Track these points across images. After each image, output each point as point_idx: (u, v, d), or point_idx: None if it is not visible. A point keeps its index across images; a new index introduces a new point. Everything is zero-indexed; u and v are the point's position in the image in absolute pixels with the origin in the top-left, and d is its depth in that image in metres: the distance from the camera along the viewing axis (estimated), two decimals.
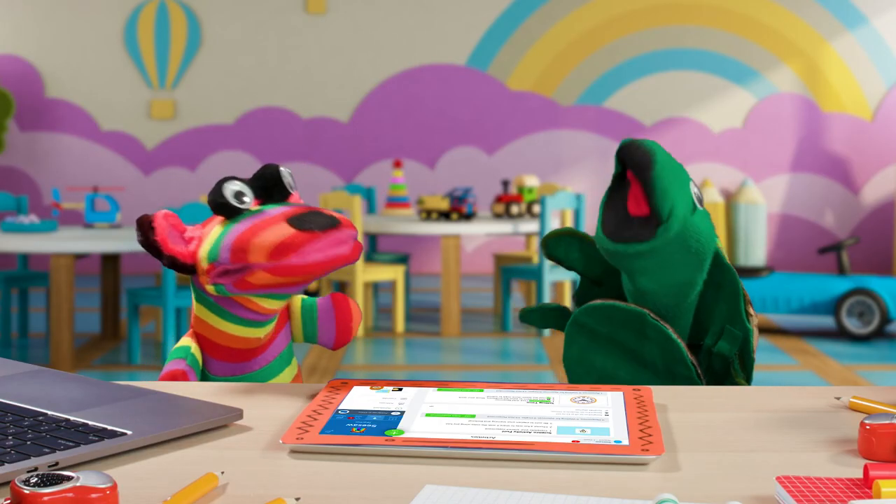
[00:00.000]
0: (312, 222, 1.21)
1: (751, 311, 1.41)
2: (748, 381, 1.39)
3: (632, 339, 1.39)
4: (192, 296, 1.31)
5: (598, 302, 1.40)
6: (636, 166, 1.31)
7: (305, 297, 1.37)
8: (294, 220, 1.21)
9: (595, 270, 1.48)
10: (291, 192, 1.30)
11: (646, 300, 1.38)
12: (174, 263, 1.24)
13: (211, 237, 1.24)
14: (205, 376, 1.32)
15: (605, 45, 9.12)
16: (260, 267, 1.20)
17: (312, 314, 1.35)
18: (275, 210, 1.24)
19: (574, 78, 9.14)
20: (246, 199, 1.26)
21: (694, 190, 1.36)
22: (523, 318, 1.53)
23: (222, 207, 1.24)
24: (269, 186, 1.29)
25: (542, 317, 1.52)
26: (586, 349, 1.42)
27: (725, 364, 1.40)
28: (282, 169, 1.29)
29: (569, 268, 1.49)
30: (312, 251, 1.20)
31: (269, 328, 1.31)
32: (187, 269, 1.25)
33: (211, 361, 1.31)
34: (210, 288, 1.25)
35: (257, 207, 1.26)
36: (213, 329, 1.29)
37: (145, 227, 1.23)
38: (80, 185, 9.12)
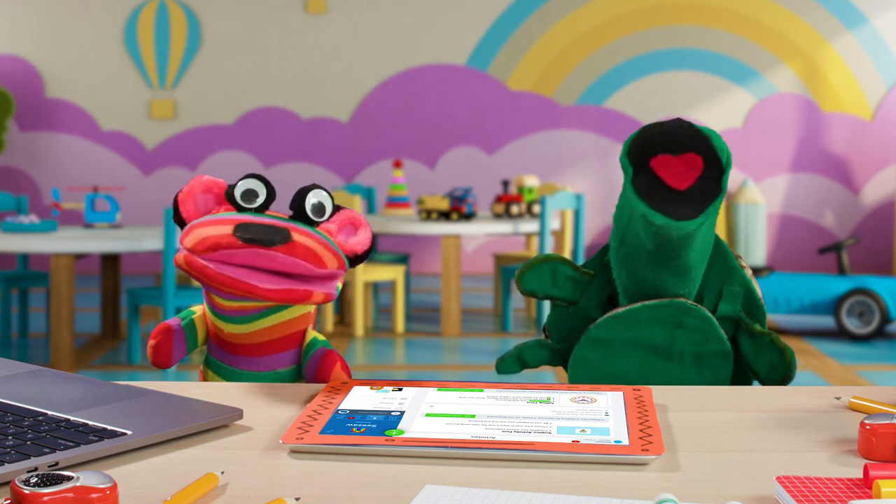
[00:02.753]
0: (252, 235, 1.15)
1: (742, 263, 1.41)
2: (763, 326, 1.38)
3: (660, 334, 1.37)
4: None
5: (620, 310, 1.38)
6: (681, 139, 1.30)
7: (318, 334, 1.28)
8: (239, 226, 1.16)
9: (567, 291, 1.46)
10: (316, 220, 1.22)
11: (685, 281, 1.36)
12: (179, 221, 1.24)
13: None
14: (208, 359, 1.29)
15: (605, 45, 9.12)
16: (181, 251, 1.18)
17: (308, 354, 1.26)
18: (260, 217, 1.19)
19: (574, 78, 9.14)
20: (258, 199, 1.22)
21: None
22: (501, 370, 1.47)
23: (229, 198, 1.23)
24: (296, 207, 1.23)
25: (519, 359, 1.47)
26: (602, 361, 1.39)
27: (731, 325, 1.40)
28: (309, 195, 1.22)
29: (542, 297, 1.45)
30: (224, 263, 1.15)
31: (240, 328, 1.23)
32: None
33: (209, 341, 1.29)
34: None
35: (274, 214, 1.22)
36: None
37: (182, 193, 1.24)
38: (80, 185, 9.12)
